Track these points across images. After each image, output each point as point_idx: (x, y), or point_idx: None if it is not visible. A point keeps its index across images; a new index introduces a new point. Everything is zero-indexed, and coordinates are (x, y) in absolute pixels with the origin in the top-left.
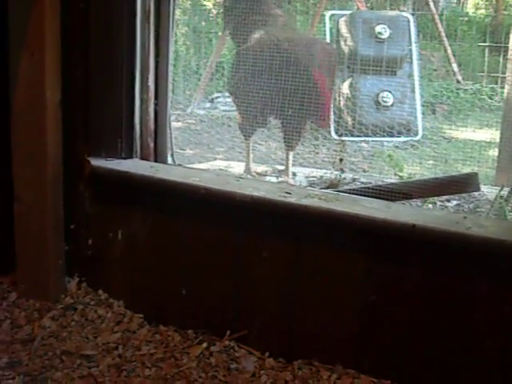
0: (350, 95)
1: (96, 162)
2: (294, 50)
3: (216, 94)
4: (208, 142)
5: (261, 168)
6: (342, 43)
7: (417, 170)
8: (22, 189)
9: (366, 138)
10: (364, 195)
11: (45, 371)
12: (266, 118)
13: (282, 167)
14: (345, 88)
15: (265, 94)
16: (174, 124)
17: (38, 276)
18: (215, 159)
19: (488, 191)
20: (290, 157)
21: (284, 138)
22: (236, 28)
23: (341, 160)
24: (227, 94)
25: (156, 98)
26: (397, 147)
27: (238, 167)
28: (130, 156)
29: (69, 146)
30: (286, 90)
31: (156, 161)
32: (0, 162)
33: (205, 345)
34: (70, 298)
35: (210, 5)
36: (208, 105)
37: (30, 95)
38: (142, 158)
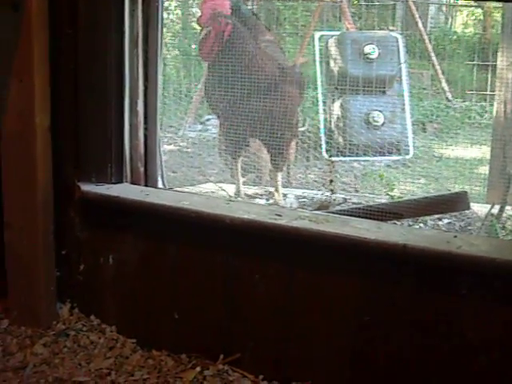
0: (340, 115)
1: (86, 187)
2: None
3: (207, 117)
4: (200, 164)
5: (252, 190)
6: (332, 64)
7: (409, 188)
8: (13, 215)
9: (357, 158)
10: (355, 216)
11: None
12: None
13: (273, 189)
14: (335, 108)
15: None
16: (166, 147)
17: (30, 302)
18: (207, 181)
19: (479, 209)
20: (279, 178)
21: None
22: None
23: (331, 181)
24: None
25: (145, 122)
26: (388, 166)
27: (229, 189)
28: (120, 181)
29: (58, 171)
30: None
31: (146, 185)
32: None
33: (198, 369)
34: (62, 324)
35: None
36: (199, 127)
37: (19, 121)
38: (132, 183)
